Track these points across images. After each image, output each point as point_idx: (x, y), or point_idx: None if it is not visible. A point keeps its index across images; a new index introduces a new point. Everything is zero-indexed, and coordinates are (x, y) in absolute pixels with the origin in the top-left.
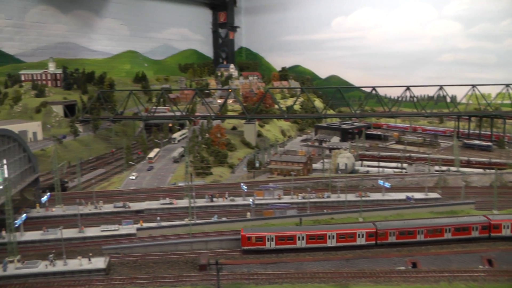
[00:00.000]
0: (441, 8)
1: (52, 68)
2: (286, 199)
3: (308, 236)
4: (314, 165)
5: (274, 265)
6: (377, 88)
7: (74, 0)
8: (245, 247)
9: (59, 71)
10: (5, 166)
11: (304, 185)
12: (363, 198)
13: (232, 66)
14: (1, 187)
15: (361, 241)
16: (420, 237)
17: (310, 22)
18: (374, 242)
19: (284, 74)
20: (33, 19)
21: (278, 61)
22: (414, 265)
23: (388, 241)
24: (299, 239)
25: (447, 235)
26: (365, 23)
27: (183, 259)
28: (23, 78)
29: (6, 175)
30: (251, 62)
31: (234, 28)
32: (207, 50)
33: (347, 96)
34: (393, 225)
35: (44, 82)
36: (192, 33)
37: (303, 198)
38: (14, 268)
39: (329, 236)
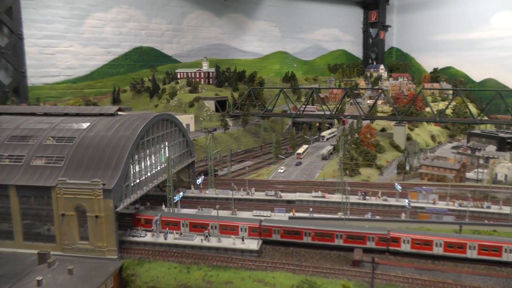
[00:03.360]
0: None
1: (205, 67)
2: (441, 204)
3: (192, 223)
4: (467, 174)
5: (429, 272)
6: None
7: (228, 4)
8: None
9: (212, 69)
10: (167, 148)
11: (459, 192)
12: None
13: (382, 67)
14: (162, 166)
15: (243, 234)
16: (307, 239)
17: (467, 19)
18: (258, 237)
19: (436, 76)
20: (190, 23)
21: (429, 62)
22: None
23: (272, 238)
24: (183, 226)
25: (338, 241)
26: None
27: (336, 252)
28: (179, 76)
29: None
30: (401, 63)
31: (385, 28)
32: (357, 50)
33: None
34: (278, 222)
35: (197, 79)
36: (342, 33)
37: (460, 205)
38: (173, 238)
39: (211, 226)
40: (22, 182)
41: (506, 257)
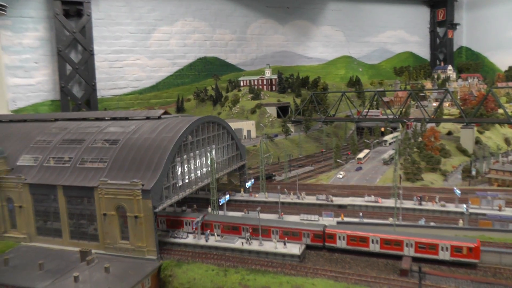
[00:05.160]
0: None
1: (268, 74)
2: (509, 211)
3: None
4: None
5: (488, 286)
6: None
7: (291, 11)
8: None
9: (275, 76)
10: (213, 150)
11: None
12: None
13: (450, 67)
14: (209, 169)
15: (187, 229)
16: (244, 234)
17: None
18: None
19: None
20: (253, 32)
21: (504, 61)
22: None
23: (214, 232)
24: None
25: (274, 237)
26: None
27: (383, 260)
28: (242, 84)
29: (213, 157)
30: (471, 63)
31: (453, 26)
32: (424, 52)
33: None
34: (219, 218)
35: (260, 86)
36: (408, 34)
37: None
38: (214, 240)
39: (160, 221)
40: (68, 183)
41: (442, 255)
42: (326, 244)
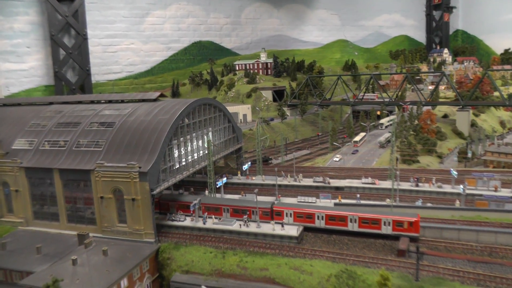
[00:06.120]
0: None
1: (263, 57)
2: (505, 192)
3: None
4: None
5: (485, 265)
6: None
7: None
8: None
9: (270, 60)
10: (210, 133)
11: None
12: None
13: (445, 51)
14: (206, 152)
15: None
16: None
17: None
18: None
19: (507, 57)
20: (248, 16)
21: (499, 44)
22: None
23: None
24: None
25: (226, 215)
26: None
27: (381, 241)
28: (237, 68)
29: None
30: (467, 46)
31: (449, 9)
32: (420, 35)
33: None
34: (176, 197)
35: (255, 70)
36: (404, 18)
37: None
38: (212, 223)
39: None
40: (64, 166)
41: (385, 229)
42: (274, 220)
